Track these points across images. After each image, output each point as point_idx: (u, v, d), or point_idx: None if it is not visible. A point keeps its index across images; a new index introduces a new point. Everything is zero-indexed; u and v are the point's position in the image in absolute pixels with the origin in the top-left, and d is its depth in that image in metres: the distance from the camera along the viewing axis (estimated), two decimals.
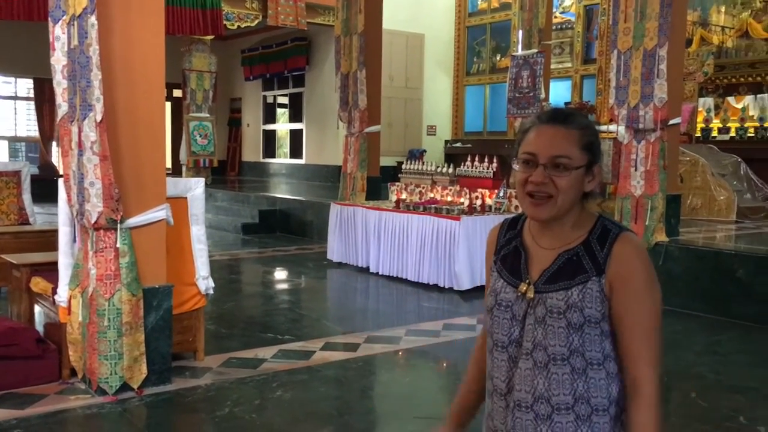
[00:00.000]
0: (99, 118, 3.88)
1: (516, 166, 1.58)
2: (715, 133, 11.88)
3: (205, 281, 4.73)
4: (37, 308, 5.04)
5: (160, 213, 4.21)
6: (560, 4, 14.65)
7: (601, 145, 1.61)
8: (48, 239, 6.26)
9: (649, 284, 1.52)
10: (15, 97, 16.73)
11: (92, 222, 3.97)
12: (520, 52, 11.66)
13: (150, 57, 4.15)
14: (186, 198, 4.65)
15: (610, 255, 1.52)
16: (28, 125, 16.97)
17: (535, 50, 11.39)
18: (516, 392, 1.57)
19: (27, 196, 7.33)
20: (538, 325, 1.54)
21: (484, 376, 1.70)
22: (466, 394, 1.82)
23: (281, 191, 13.33)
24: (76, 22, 3.89)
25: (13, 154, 17.27)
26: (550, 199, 1.53)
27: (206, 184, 14.74)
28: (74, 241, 4.27)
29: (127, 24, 4.06)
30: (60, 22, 3.99)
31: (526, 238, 1.64)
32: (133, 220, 4.09)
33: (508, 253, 1.66)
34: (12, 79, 16.42)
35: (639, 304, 1.51)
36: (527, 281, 1.58)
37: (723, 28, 13.09)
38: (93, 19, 3.84)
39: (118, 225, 4.00)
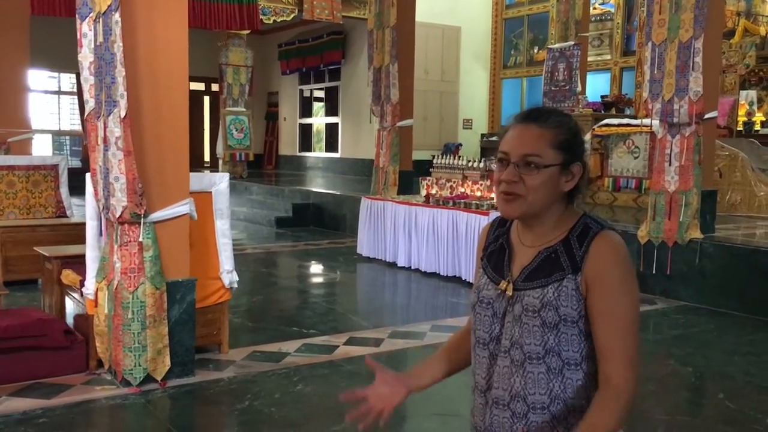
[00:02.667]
0: (123, 113, 3.95)
1: (494, 165, 1.57)
2: (757, 127, 11.54)
3: (229, 275, 4.78)
4: (67, 300, 5.16)
5: (184, 207, 4.26)
6: None
7: (583, 143, 1.57)
8: (83, 232, 6.36)
9: (626, 282, 1.49)
10: (59, 92, 17.12)
11: (117, 216, 4.04)
12: (556, 44, 11.52)
13: (173, 53, 4.20)
14: (210, 192, 4.70)
15: (588, 253, 1.50)
16: (71, 119, 17.36)
17: (572, 42, 11.24)
18: (494, 389, 1.57)
19: (64, 190, 7.50)
20: (516, 322, 1.53)
21: (457, 348, 1.75)
22: (434, 359, 1.81)
23: (316, 185, 13.40)
24: (101, 19, 3.95)
25: (58, 147, 17.69)
26: (520, 197, 1.52)
27: (242, 177, 15.01)
28: (101, 234, 4.35)
29: (151, 21, 4.11)
30: (87, 19, 4.06)
31: (513, 236, 1.64)
32: (157, 215, 4.15)
33: (495, 250, 1.65)
34: (56, 74, 16.81)
35: (614, 302, 1.47)
36: (508, 278, 1.57)
37: None
38: (117, 16, 3.90)
39: (142, 219, 4.06)
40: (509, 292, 1.56)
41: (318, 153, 17.44)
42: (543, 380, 1.50)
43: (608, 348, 1.47)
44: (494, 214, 7.03)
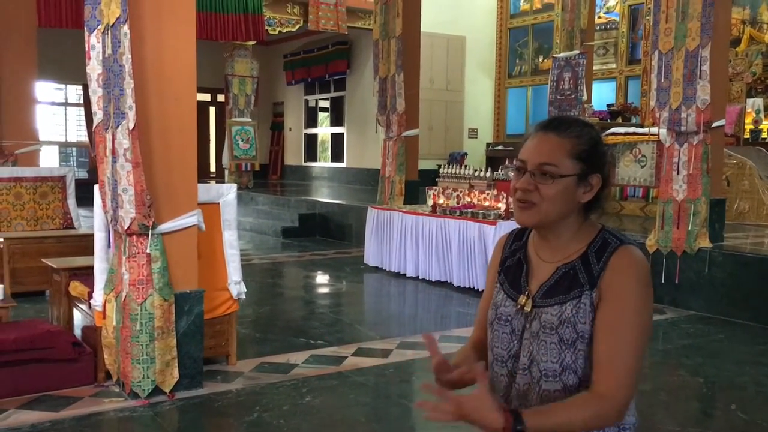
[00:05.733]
0: (131, 125, 3.95)
1: (511, 173, 1.56)
2: (764, 135, 11.51)
3: (237, 286, 4.76)
4: (75, 312, 5.15)
5: (192, 219, 4.25)
6: (604, 4, 14.41)
7: (604, 154, 1.54)
8: (90, 243, 6.36)
9: (640, 301, 1.44)
10: (65, 104, 17.19)
11: (125, 228, 4.04)
12: (561, 53, 11.52)
13: (182, 65, 4.20)
14: (218, 203, 4.70)
15: (606, 268, 1.46)
16: (78, 130, 17.42)
17: (577, 51, 11.23)
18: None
19: (71, 201, 7.52)
20: (533, 339, 1.51)
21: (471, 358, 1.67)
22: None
23: (321, 195, 13.40)
24: (109, 32, 3.96)
25: (64, 159, 17.75)
26: (535, 205, 1.49)
27: (248, 187, 15.01)
28: (109, 246, 4.35)
29: (159, 33, 4.11)
30: (95, 31, 4.07)
31: (530, 251, 1.61)
32: (165, 226, 4.14)
33: (512, 264, 1.63)
34: (62, 86, 16.88)
35: (624, 319, 1.43)
36: (526, 294, 1.55)
37: None
38: (126, 29, 3.91)
39: (150, 231, 4.06)
40: (528, 308, 1.53)
41: (323, 163, 17.45)
42: (559, 397, 1.48)
43: (605, 360, 1.42)
44: (502, 224, 7.02)
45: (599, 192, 1.53)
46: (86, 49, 4.08)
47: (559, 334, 1.47)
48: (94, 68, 4.08)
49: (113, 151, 4.02)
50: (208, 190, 4.66)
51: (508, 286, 1.60)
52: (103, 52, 4.02)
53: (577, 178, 1.49)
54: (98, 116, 4.11)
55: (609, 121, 11.38)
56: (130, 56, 3.93)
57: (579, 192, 1.50)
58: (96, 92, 4.11)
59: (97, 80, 4.09)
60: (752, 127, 11.58)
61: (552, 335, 1.48)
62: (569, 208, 1.51)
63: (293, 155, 18.34)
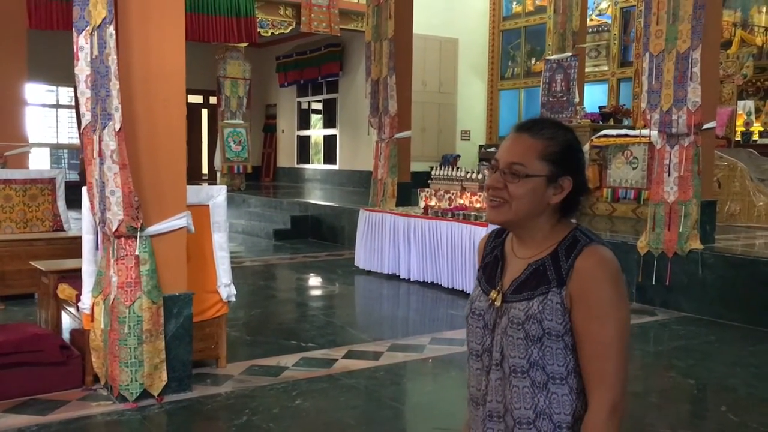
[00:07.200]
0: (118, 127, 3.92)
1: (486, 172, 1.58)
2: (755, 137, 11.55)
3: (227, 288, 4.74)
4: (63, 315, 5.11)
5: (181, 221, 4.23)
6: (596, 7, 14.45)
7: (577, 157, 1.56)
8: (80, 246, 6.33)
9: (612, 301, 1.45)
10: (57, 106, 17.11)
11: (113, 230, 4.01)
12: (553, 55, 11.54)
13: (170, 67, 4.17)
14: (208, 205, 4.67)
15: (573, 267, 1.47)
16: (69, 133, 17.34)
17: (569, 54, 11.26)
18: (489, 402, 1.55)
19: (61, 203, 7.47)
20: (503, 335, 1.52)
21: None
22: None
23: (314, 197, 13.38)
24: (96, 32, 3.94)
25: (56, 161, 17.67)
26: (505, 203, 1.52)
27: (240, 189, 14.96)
28: (97, 248, 4.32)
29: (146, 34, 4.09)
30: (83, 32, 4.04)
31: (507, 248, 1.63)
32: (154, 228, 4.11)
33: (490, 261, 1.65)
34: (54, 88, 16.80)
35: (598, 322, 1.45)
36: (498, 289, 1.56)
37: (766, 29, 12.73)
38: (111, 29, 3.88)
39: (139, 233, 4.03)
40: (498, 303, 1.55)
41: (316, 165, 17.44)
42: (528, 394, 1.49)
43: (591, 371, 1.46)
44: (493, 226, 7.00)
45: (575, 195, 1.54)
46: (75, 50, 4.06)
47: (525, 330, 1.48)
48: (82, 69, 4.06)
49: (100, 153, 3.99)
50: (197, 192, 4.63)
51: (485, 282, 1.62)
52: (91, 53, 4.00)
53: (547, 180, 1.51)
54: (86, 118, 4.08)
55: (601, 123, 11.40)
56: (115, 57, 3.91)
57: (548, 193, 1.52)
58: (84, 93, 4.08)
59: (86, 81, 4.06)
60: (743, 129, 11.62)
61: (518, 331, 1.49)
62: (539, 208, 1.53)
63: (286, 157, 18.31)
